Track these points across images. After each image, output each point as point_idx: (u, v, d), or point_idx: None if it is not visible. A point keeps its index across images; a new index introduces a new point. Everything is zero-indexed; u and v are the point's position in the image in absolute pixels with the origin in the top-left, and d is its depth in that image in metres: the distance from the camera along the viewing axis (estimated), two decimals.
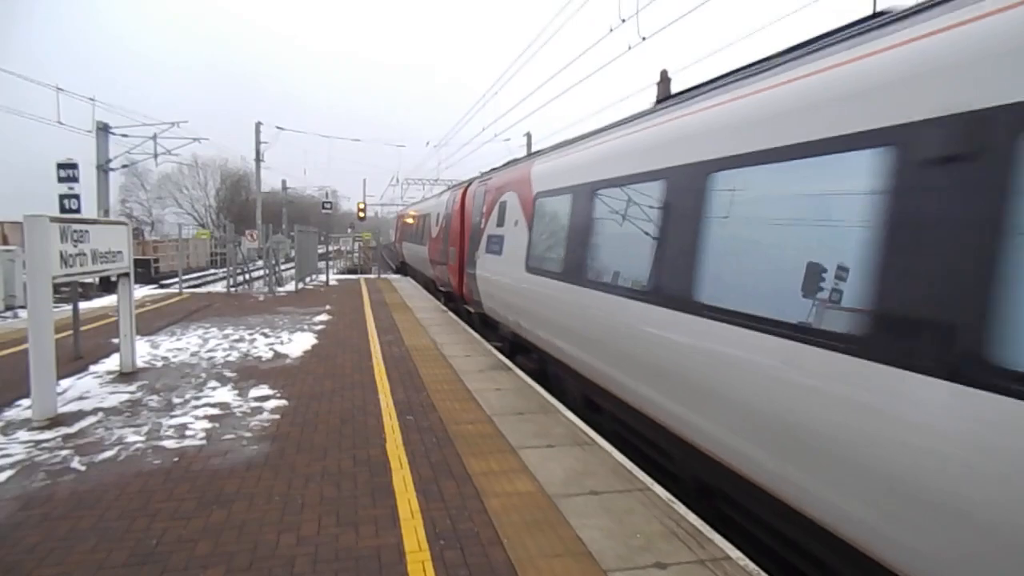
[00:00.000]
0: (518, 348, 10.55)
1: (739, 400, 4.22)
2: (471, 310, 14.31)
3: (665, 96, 8.10)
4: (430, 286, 20.98)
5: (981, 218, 2.76)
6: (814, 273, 3.69)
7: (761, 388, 3.99)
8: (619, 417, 6.51)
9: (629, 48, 11.26)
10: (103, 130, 24.16)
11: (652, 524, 4.25)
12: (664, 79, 20.87)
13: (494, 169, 14.25)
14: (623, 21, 10.97)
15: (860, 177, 3.42)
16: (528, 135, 37.70)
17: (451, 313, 15.10)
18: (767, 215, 4.32)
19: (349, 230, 63.04)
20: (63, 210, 15.18)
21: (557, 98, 18.89)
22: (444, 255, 17.74)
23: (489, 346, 10.73)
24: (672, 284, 5.23)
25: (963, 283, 2.79)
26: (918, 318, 3.01)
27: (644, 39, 10.95)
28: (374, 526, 4.20)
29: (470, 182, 16.13)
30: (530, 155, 13.26)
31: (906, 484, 2.97)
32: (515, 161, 13.34)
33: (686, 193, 5.20)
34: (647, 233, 5.79)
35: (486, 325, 12.89)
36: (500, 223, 11.43)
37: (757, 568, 3.75)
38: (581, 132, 8.77)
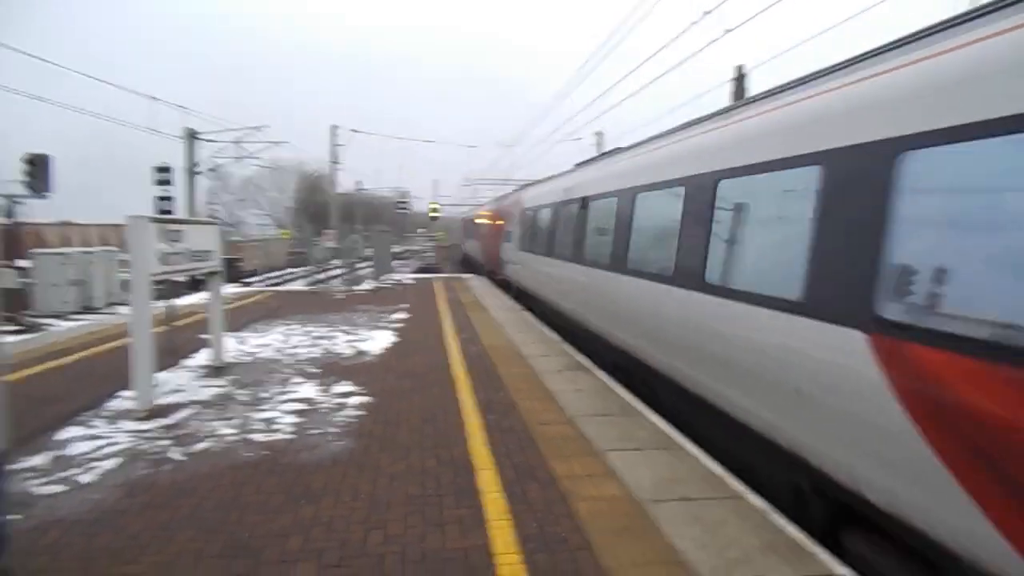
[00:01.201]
0: (521, 296, 17.55)
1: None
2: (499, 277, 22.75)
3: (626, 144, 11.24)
4: (500, 283, 22.18)
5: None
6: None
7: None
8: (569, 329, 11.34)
9: (711, 42, 10.91)
10: (191, 136, 25.34)
11: (748, 536, 4.05)
12: (740, 75, 20.25)
13: (507, 194, 23.62)
14: (706, 14, 10.66)
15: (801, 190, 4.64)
16: (599, 134, 37.36)
17: (526, 312, 15.06)
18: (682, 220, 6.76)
19: (420, 230, 64.09)
20: (158, 211, 15.96)
21: (632, 96, 18.60)
22: (487, 245, 26.73)
23: (567, 347, 10.62)
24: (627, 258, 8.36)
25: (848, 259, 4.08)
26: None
27: (727, 31, 10.61)
28: (461, 527, 4.16)
29: (503, 198, 24.77)
30: (521, 187, 22.29)
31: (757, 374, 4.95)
32: (518, 189, 22.36)
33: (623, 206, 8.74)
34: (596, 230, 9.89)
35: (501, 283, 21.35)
36: (509, 224, 20.12)
37: None
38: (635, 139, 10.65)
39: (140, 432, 6.04)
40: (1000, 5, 3.46)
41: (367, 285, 22.60)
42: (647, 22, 14.35)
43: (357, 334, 11.60)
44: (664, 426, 6.35)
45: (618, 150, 10.85)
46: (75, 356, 9.53)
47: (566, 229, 12.06)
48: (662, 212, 7.35)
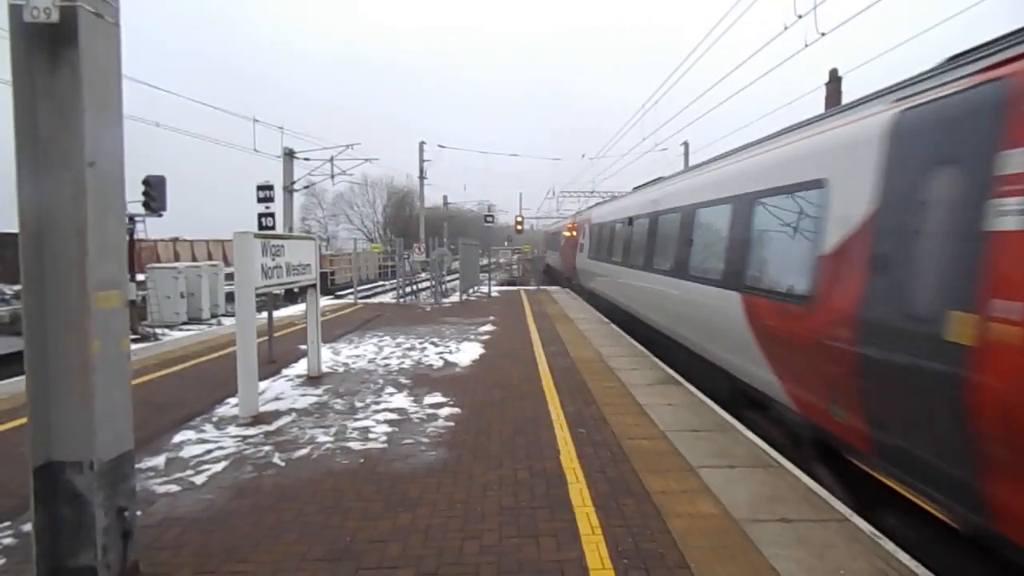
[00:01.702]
0: (587, 295, 21.94)
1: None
2: (574, 283, 26.73)
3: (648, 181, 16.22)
4: (586, 296, 22.54)
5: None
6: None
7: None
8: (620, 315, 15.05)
9: (806, 45, 10.55)
10: (289, 155, 26.58)
11: (857, 561, 3.84)
12: (833, 79, 19.41)
13: (581, 211, 30.43)
14: (799, 17, 10.32)
15: (725, 216, 8.24)
16: (686, 144, 36.69)
17: (614, 325, 14.93)
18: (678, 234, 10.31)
19: (506, 243, 64.65)
20: (261, 227, 16.82)
21: (720, 105, 18.17)
22: (565, 255, 31.01)
23: (656, 360, 10.45)
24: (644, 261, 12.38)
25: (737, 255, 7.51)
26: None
27: (823, 35, 10.23)
28: (555, 539, 4.15)
29: (577, 215, 31.02)
30: (590, 207, 28.18)
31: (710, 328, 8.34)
32: (587, 209, 29.00)
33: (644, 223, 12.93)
34: (641, 240, 13.08)
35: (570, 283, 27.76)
36: (582, 237, 24.15)
37: None
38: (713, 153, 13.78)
39: (245, 438, 6.35)
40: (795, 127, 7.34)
41: (455, 297, 22.98)
42: (737, 28, 14.00)
43: (446, 346, 11.81)
44: (761, 443, 6.14)
45: (659, 179, 14.87)
46: (186, 364, 10.14)
47: (617, 240, 16.57)
48: (668, 230, 11.24)
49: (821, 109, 14.35)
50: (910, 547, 4.19)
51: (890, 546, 4.07)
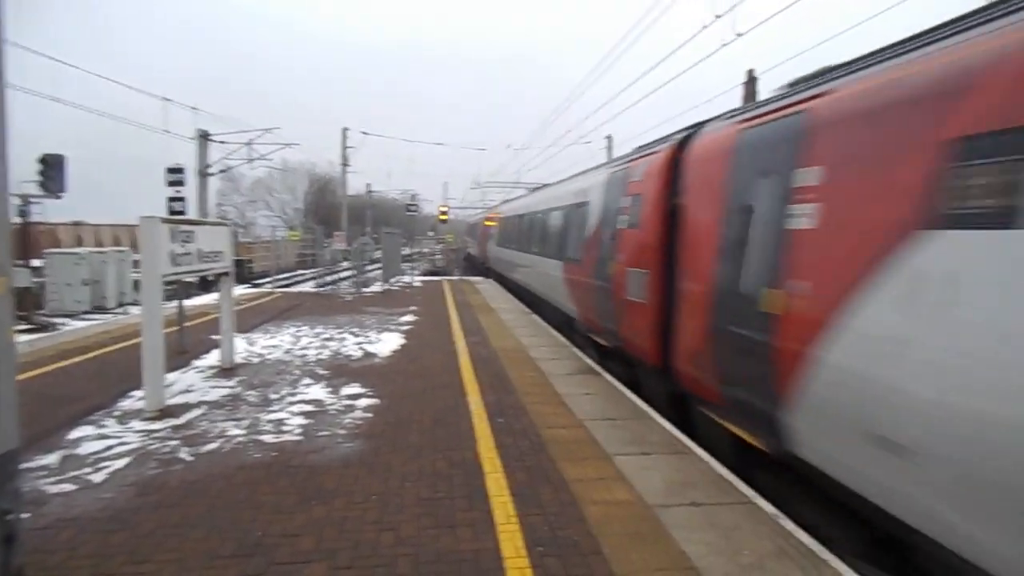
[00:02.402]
0: (491, 272, 28.21)
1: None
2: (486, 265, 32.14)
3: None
4: (509, 287, 23.17)
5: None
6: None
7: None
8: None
9: (723, 44, 10.89)
10: (203, 137, 25.46)
11: (761, 541, 4.03)
12: (750, 79, 20.16)
13: (494, 206, 37.16)
14: (717, 17, 10.64)
15: (557, 217, 14.06)
16: (609, 137, 37.34)
17: (535, 316, 15.07)
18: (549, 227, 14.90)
19: (431, 233, 64.21)
20: (170, 212, 16.02)
21: (645, 98, 18.57)
22: (480, 242, 36.74)
23: (576, 350, 10.61)
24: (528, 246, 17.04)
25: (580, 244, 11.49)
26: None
27: (739, 35, 10.59)
28: (472, 529, 4.15)
29: (491, 209, 36.98)
30: (499, 204, 35.79)
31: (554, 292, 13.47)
32: (497, 205, 35.51)
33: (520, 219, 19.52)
34: (520, 231, 18.71)
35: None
36: (491, 229, 30.18)
37: None
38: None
39: (151, 432, 6.06)
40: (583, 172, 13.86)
41: (376, 287, 22.64)
42: (659, 25, 14.33)
43: (366, 336, 11.62)
44: (674, 431, 6.33)
45: (544, 186, 21.11)
46: (87, 356, 9.59)
47: (509, 231, 22.95)
48: (530, 224, 17.29)
49: (739, 103, 14.87)
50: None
51: (790, 525, 4.28)
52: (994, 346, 3.06)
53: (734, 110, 6.86)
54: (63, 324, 13.36)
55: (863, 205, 4.10)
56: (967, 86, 3.45)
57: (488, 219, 33.19)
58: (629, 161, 9.35)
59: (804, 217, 4.68)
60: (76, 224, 30.66)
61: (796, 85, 5.59)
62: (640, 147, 9.43)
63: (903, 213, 3.72)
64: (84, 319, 14.48)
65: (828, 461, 4.39)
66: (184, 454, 5.50)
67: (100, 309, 16.28)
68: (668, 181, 7.59)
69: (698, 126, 7.45)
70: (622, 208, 8.97)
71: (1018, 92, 3.15)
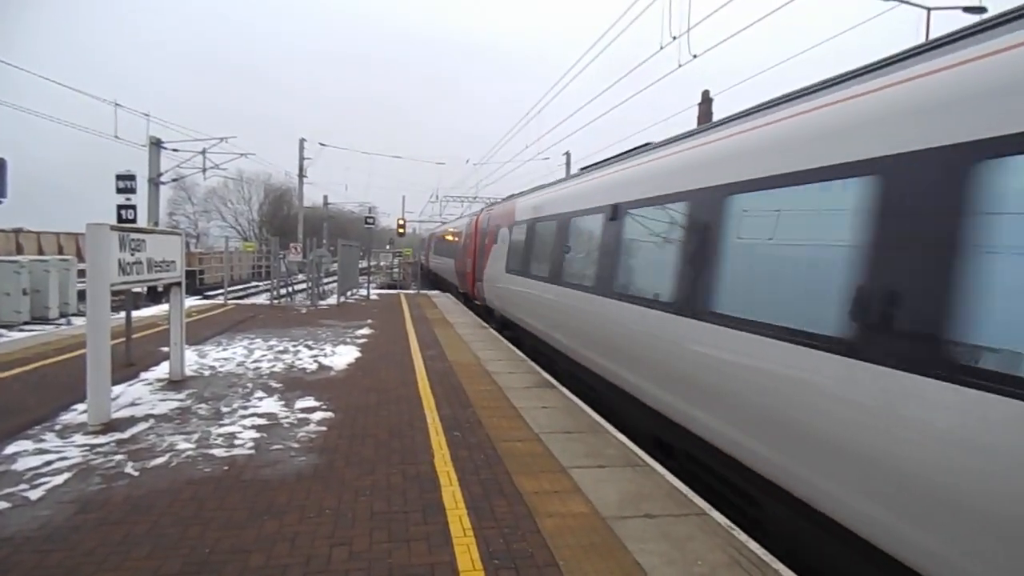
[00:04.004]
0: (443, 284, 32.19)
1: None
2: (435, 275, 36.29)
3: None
4: (462, 297, 24.24)
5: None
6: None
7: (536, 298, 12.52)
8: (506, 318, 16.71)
9: (680, 66, 11.15)
10: (156, 144, 24.88)
11: (714, 552, 4.08)
12: (706, 99, 20.72)
13: (441, 225, 44.00)
14: (674, 39, 10.90)
15: (460, 238, 24.68)
16: (567, 154, 37.76)
17: (492, 329, 15.07)
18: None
19: (388, 246, 63.80)
20: (120, 219, 15.60)
21: (600, 118, 18.88)
22: (433, 256, 39.05)
23: (533, 364, 10.63)
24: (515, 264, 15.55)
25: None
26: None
27: (695, 56, 10.86)
28: (426, 543, 4.12)
29: (438, 229, 41.39)
30: (451, 220, 40.19)
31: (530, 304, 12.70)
32: (448, 222, 41.62)
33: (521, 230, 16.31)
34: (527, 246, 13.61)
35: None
36: (434, 242, 40.20)
37: None
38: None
39: (93, 447, 5.85)
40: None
41: (332, 300, 22.36)
42: (617, 44, 14.60)
43: (321, 349, 11.46)
44: (630, 444, 6.39)
45: (513, 196, 17.62)
46: (25, 368, 9.21)
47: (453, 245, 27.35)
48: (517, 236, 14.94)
49: (694, 125, 15.28)
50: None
51: (743, 536, 4.35)
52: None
53: (496, 200, 14.76)
54: (0, 335, 12.84)
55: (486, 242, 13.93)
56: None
57: (446, 233, 31.38)
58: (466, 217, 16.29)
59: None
60: (16, 231, 29.58)
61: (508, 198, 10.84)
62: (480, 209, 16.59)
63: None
64: (23, 330, 13.96)
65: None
66: (129, 469, 5.32)
67: (41, 320, 15.72)
68: (477, 228, 17.15)
69: (493, 203, 15.21)
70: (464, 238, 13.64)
71: None
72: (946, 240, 3.26)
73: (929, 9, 17.73)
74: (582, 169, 11.32)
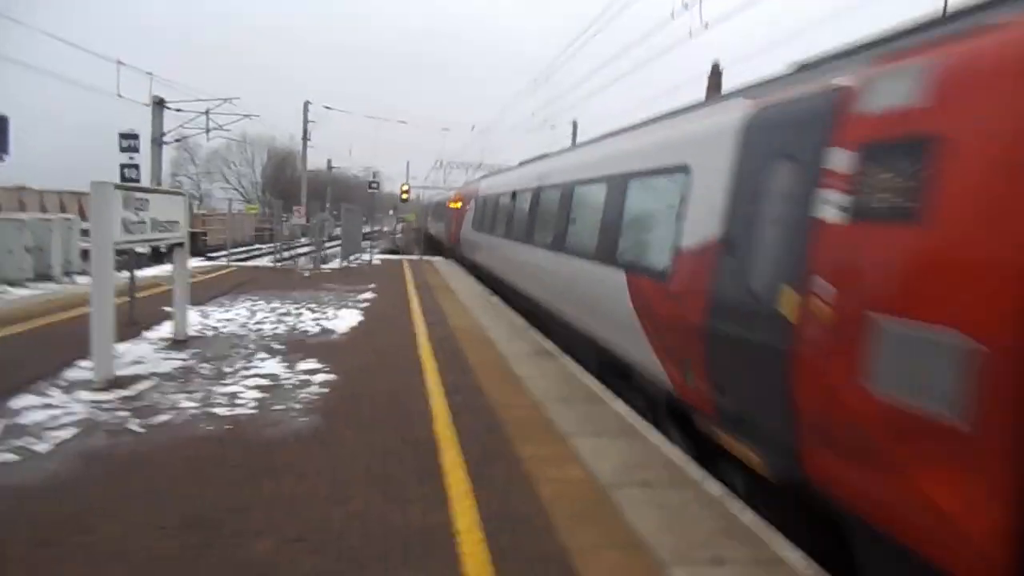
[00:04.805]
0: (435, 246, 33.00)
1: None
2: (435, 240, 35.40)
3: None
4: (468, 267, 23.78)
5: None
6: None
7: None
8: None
9: (690, 35, 10.99)
10: (159, 104, 24.69)
11: (707, 521, 4.14)
12: (715, 71, 20.41)
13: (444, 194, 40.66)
14: (685, 7, 10.72)
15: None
16: (574, 123, 37.39)
17: (496, 297, 15.09)
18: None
19: (392, 211, 63.63)
20: (123, 179, 15.55)
21: (611, 85, 18.66)
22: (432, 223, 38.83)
23: (534, 332, 10.67)
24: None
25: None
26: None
27: (706, 26, 10.69)
28: (423, 504, 4.18)
29: (438, 201, 41.14)
30: (451, 190, 37.00)
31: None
32: (449, 191, 38.27)
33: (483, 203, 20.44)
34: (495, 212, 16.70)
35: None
36: (437, 209, 39.34)
37: (815, 569, 3.64)
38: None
39: (98, 403, 5.92)
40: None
41: (335, 264, 22.38)
42: (628, 11, 14.38)
43: (323, 312, 11.51)
44: (627, 413, 6.45)
45: (477, 180, 24.67)
46: (30, 324, 9.27)
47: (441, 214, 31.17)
48: (505, 207, 15.41)
49: (703, 96, 15.09)
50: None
51: (735, 507, 4.41)
52: None
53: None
54: (3, 292, 12.90)
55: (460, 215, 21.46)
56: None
57: (453, 200, 30.62)
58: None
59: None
60: (19, 189, 29.50)
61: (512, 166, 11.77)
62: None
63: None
64: (27, 287, 14.00)
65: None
66: (133, 425, 5.39)
67: (45, 277, 15.74)
68: (459, 200, 22.21)
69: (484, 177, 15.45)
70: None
71: None
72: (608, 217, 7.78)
73: None
74: (520, 163, 18.29)
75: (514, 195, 14.43)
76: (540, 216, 11.57)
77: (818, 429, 3.74)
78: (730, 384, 4.78)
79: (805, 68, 4.99)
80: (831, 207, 3.76)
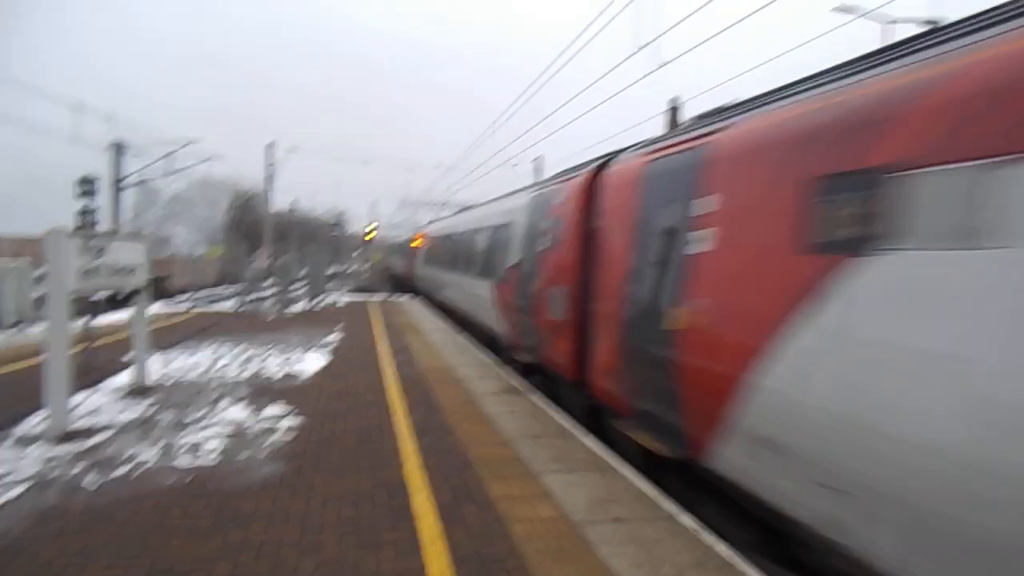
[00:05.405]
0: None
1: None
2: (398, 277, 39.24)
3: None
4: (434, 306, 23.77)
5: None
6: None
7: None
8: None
9: (646, 74, 11.29)
10: (118, 148, 24.40)
11: (681, 554, 4.13)
12: (674, 107, 20.94)
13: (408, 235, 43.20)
14: (642, 47, 11.03)
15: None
16: (537, 160, 37.87)
17: (461, 337, 15.04)
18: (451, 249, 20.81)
19: (356, 252, 63.38)
20: (81, 225, 15.24)
21: (570, 123, 18.98)
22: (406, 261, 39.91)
23: (501, 370, 10.64)
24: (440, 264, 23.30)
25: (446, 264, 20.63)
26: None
27: (664, 64, 11.00)
28: (395, 550, 4.09)
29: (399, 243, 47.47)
30: (412, 231, 41.21)
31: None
32: (413, 230, 41.61)
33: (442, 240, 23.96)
34: (451, 251, 19.56)
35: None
36: (402, 251, 43.02)
37: None
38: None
39: (51, 458, 5.70)
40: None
41: (300, 306, 22.10)
42: (586, 52, 14.73)
43: (289, 356, 11.32)
44: (598, 448, 6.43)
45: (425, 226, 32.17)
46: None
47: (438, 250, 25.31)
48: (437, 247, 22.36)
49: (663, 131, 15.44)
50: None
51: (709, 539, 4.40)
52: None
53: (641, 142, 7.54)
54: None
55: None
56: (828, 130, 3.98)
57: (414, 239, 34.61)
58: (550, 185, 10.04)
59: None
60: None
61: (701, 119, 6.35)
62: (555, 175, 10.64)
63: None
64: None
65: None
66: (88, 480, 5.20)
67: None
68: (414, 242, 22.61)
69: (614, 153, 8.11)
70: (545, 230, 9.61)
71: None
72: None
73: (888, 22, 18.23)
74: (454, 213, 25.65)
75: (443, 238, 21.50)
76: (451, 251, 18.84)
77: (519, 335, 10.59)
78: (521, 330, 10.50)
79: (561, 174, 10.04)
80: (547, 241, 9.20)
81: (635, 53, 11.09)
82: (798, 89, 4.64)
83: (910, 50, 3.74)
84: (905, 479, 3.13)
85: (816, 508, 3.77)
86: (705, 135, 5.44)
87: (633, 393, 6.24)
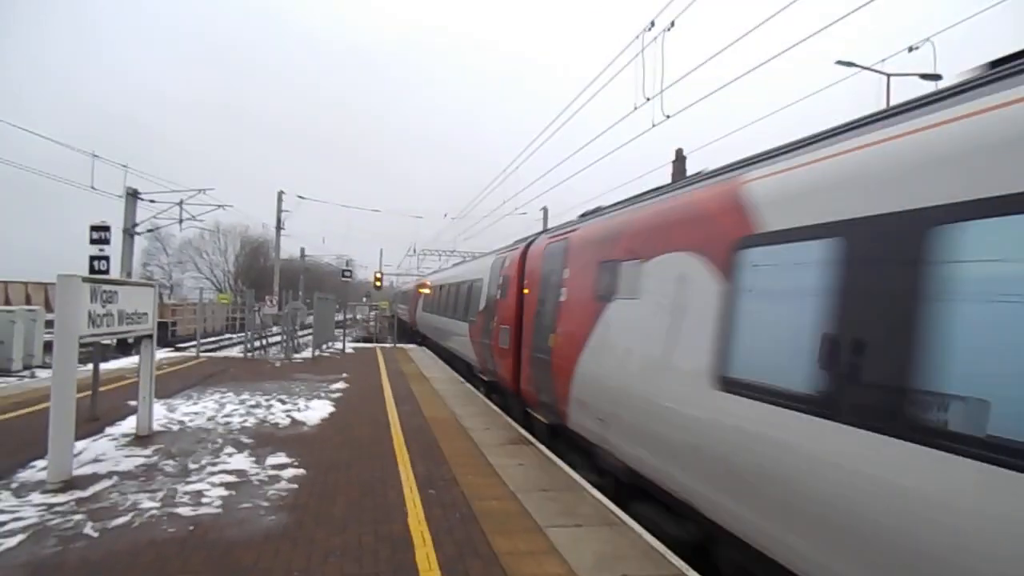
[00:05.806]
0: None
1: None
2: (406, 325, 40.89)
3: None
4: (443, 355, 23.83)
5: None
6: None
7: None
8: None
9: (653, 125, 11.46)
10: (132, 195, 24.75)
11: None
12: (679, 158, 21.22)
13: (413, 283, 45.74)
14: (647, 100, 11.22)
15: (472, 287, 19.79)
16: (544, 209, 38.21)
17: (468, 384, 14.95)
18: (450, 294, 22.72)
19: (364, 299, 63.53)
20: (92, 271, 15.36)
21: (578, 173, 19.21)
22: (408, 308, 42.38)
23: (508, 419, 10.53)
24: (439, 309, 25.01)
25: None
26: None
27: (668, 117, 11.17)
28: None
29: (408, 291, 48.42)
30: (416, 280, 42.77)
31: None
32: (418, 279, 43.90)
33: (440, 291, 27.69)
34: (451, 296, 21.51)
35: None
36: (408, 298, 44.45)
37: None
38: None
39: (51, 506, 5.62)
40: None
41: (307, 353, 22.08)
42: (593, 104, 15.00)
43: (295, 403, 11.25)
44: (606, 502, 6.30)
45: (424, 277, 39.38)
46: None
47: (422, 300, 30.66)
48: (437, 295, 25.05)
49: (669, 180, 15.58)
50: None
51: None
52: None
53: (552, 228, 11.97)
54: None
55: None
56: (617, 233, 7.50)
57: (420, 287, 35.59)
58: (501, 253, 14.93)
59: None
60: None
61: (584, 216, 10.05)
62: (512, 243, 14.95)
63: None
64: None
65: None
66: (88, 530, 5.11)
67: (2, 372, 15.29)
68: (417, 290, 27.66)
69: (539, 234, 12.44)
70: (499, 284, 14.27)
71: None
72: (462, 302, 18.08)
73: (888, 75, 18.55)
74: (452, 265, 31.11)
75: (436, 287, 25.82)
76: (442, 299, 22.58)
77: (483, 361, 14.43)
78: (484, 357, 13.87)
79: (516, 243, 13.48)
80: (499, 292, 13.08)
81: (638, 107, 11.29)
82: (607, 211, 8.41)
83: (650, 198, 7.11)
84: (621, 409, 6.39)
85: (595, 431, 7.06)
86: (570, 231, 9.18)
87: (538, 391, 9.48)
